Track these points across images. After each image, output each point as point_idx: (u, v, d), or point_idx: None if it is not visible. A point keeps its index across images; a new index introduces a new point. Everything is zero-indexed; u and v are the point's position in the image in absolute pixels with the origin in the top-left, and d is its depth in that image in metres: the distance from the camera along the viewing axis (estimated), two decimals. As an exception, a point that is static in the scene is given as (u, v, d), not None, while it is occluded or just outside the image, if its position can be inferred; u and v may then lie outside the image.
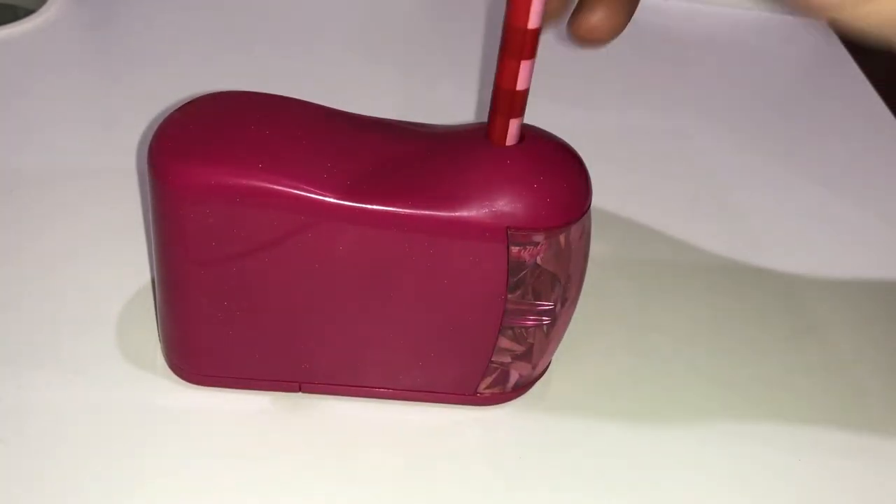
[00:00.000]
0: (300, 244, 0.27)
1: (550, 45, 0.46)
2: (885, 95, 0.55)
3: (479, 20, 0.56)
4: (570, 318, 0.31)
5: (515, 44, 0.25)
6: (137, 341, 0.33)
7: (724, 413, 0.34)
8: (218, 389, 0.31)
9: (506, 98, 0.26)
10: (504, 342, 0.30)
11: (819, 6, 0.21)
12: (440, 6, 0.57)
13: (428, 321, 0.29)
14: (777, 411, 0.34)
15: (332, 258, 0.27)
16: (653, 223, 0.42)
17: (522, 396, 0.33)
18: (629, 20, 0.28)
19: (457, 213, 0.26)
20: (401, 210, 0.26)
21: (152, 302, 0.34)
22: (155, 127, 0.27)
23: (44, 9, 0.50)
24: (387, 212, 0.26)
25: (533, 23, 0.25)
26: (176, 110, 0.28)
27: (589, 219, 0.29)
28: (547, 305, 0.29)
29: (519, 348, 0.30)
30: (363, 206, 0.26)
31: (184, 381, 0.31)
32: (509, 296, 0.28)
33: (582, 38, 0.28)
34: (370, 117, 0.29)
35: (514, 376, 0.32)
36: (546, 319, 0.30)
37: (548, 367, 0.34)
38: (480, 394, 0.32)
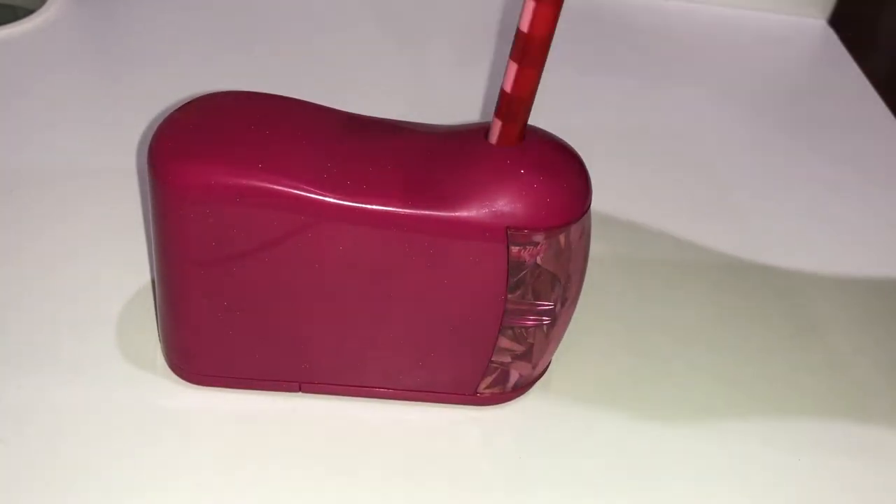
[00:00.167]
0: (300, 244, 0.27)
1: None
2: (885, 95, 0.55)
3: (479, 20, 0.56)
4: (570, 318, 0.31)
5: (520, 49, 0.25)
6: (137, 341, 0.33)
7: (724, 413, 0.34)
8: (218, 389, 0.31)
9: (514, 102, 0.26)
10: (504, 342, 0.30)
11: None
12: (440, 6, 0.57)
13: (428, 321, 0.29)
14: (778, 410, 0.34)
15: (332, 258, 0.27)
16: (653, 223, 0.42)
17: (522, 396, 0.33)
18: None
19: (457, 213, 0.26)
20: (401, 210, 0.26)
21: (152, 302, 0.34)
22: (155, 127, 0.27)
23: (44, 9, 0.50)
24: (387, 212, 0.26)
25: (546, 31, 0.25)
26: (176, 110, 0.28)
27: (589, 219, 0.29)
28: (547, 305, 0.29)
29: (519, 348, 0.30)
30: (363, 206, 0.26)
31: (184, 381, 0.31)
32: (509, 296, 0.28)
33: None
34: (370, 117, 0.29)
35: (514, 376, 0.32)
36: (546, 319, 0.30)
37: (548, 367, 0.34)
38: (480, 394, 0.32)
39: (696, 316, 0.38)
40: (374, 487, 0.29)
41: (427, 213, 0.26)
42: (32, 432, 0.29)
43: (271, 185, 0.26)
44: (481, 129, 0.28)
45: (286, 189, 0.26)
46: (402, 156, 0.27)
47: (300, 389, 0.31)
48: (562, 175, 0.28)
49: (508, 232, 0.27)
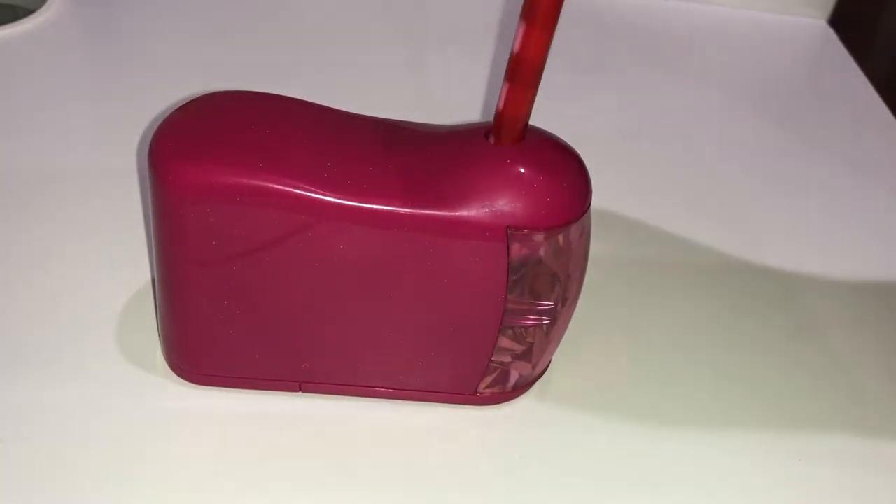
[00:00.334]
0: (300, 244, 0.27)
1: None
2: (885, 95, 0.55)
3: (479, 20, 0.56)
4: (570, 318, 0.31)
5: (516, 72, 0.25)
6: (137, 341, 0.33)
7: (724, 412, 0.34)
8: (218, 389, 0.31)
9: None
10: (504, 342, 0.30)
11: None
12: (441, 6, 0.57)
13: (428, 321, 0.29)
14: (778, 411, 0.34)
15: (333, 258, 0.27)
16: (653, 223, 0.42)
17: (522, 396, 0.33)
18: None
19: (457, 213, 0.26)
20: (401, 210, 0.26)
21: (152, 302, 0.34)
22: (155, 127, 0.27)
23: (44, 9, 0.50)
24: (387, 211, 0.26)
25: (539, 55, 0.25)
26: (176, 110, 0.28)
27: (589, 219, 0.29)
28: (547, 305, 0.29)
29: (519, 348, 0.30)
30: (363, 205, 0.26)
31: (184, 381, 0.31)
32: (509, 295, 0.28)
33: None
34: (370, 117, 0.29)
35: (514, 376, 0.32)
36: (546, 319, 0.30)
37: (548, 366, 0.34)
38: (480, 393, 0.32)
39: (696, 316, 0.38)
40: (374, 487, 0.29)
41: (427, 212, 0.26)
42: (32, 432, 0.29)
43: (271, 185, 0.26)
44: (481, 129, 0.28)
45: (286, 188, 0.26)
46: (403, 155, 0.27)
47: (300, 389, 0.31)
48: (562, 174, 0.28)
49: (508, 231, 0.27)
